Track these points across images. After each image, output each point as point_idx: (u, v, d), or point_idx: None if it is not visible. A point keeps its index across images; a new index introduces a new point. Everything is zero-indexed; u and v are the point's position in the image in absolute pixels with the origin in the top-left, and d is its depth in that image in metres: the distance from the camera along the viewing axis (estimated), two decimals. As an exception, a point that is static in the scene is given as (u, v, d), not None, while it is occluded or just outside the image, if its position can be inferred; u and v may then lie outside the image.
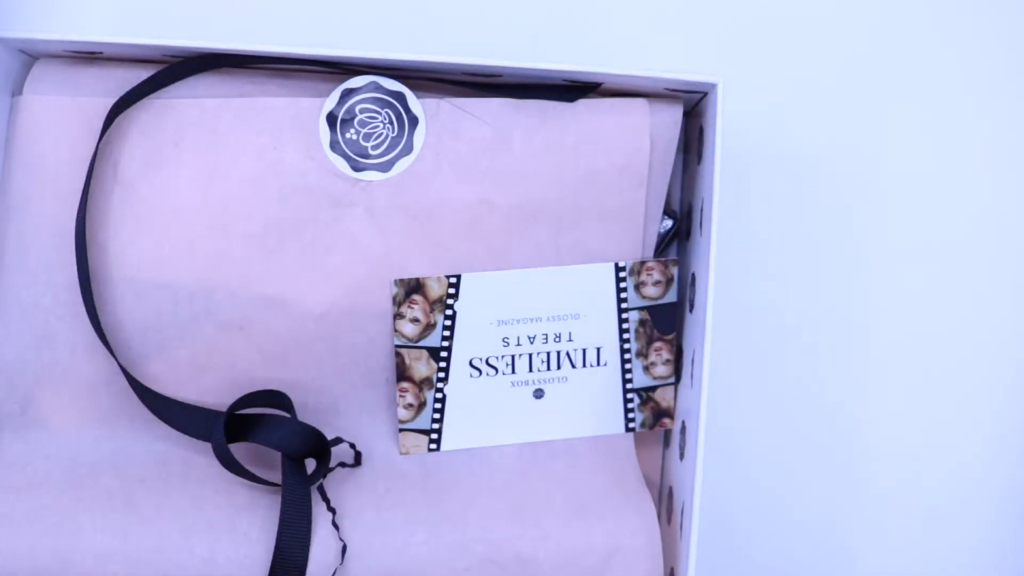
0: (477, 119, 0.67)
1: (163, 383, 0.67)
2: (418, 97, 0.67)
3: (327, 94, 0.67)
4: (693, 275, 0.67)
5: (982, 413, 0.75)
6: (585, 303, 0.68)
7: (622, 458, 0.69)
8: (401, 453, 0.69)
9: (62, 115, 0.66)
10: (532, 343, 0.68)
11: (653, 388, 0.70)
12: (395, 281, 0.67)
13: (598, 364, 0.69)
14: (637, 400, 0.70)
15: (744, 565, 0.74)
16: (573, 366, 0.69)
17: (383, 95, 0.67)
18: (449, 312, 0.67)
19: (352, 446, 0.68)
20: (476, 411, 0.69)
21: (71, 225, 0.66)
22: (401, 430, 0.69)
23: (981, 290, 0.75)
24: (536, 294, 0.68)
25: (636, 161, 0.67)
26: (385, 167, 0.67)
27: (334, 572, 0.64)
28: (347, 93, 0.66)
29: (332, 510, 0.65)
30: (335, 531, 0.64)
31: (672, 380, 0.70)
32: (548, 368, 0.69)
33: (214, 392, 0.68)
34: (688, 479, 0.64)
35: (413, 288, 0.67)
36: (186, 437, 0.67)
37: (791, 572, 0.74)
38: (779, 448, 0.75)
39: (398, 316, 0.67)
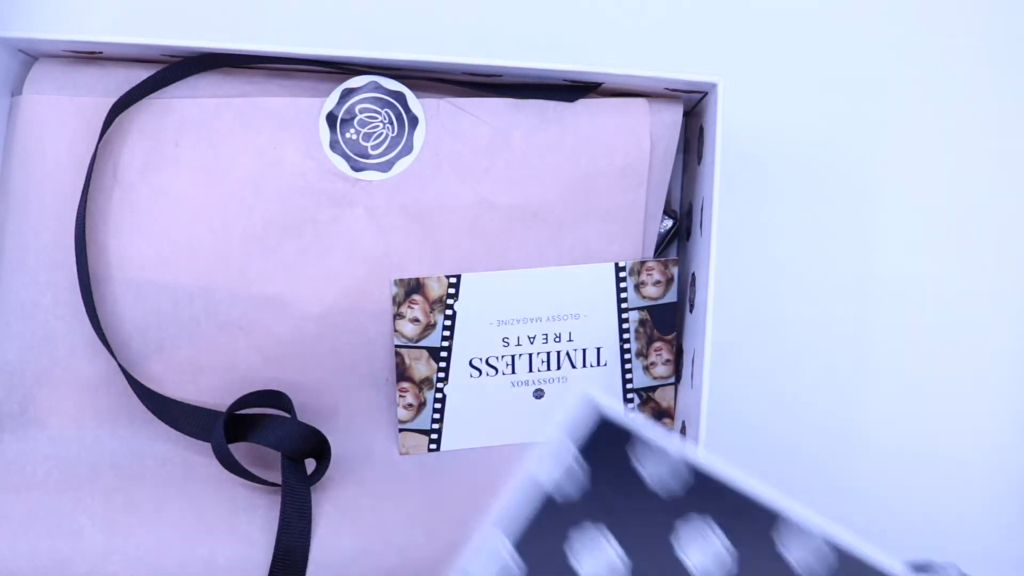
0: (477, 119, 0.67)
1: (163, 383, 0.67)
2: (418, 97, 0.67)
3: (327, 94, 0.67)
4: (693, 275, 0.67)
5: (983, 414, 0.75)
6: (585, 303, 0.68)
7: (622, 458, 0.69)
8: (401, 453, 0.69)
9: (62, 115, 0.66)
10: (532, 343, 0.68)
11: (653, 388, 0.70)
12: (395, 281, 0.67)
13: (598, 364, 0.69)
14: (637, 400, 0.70)
15: (744, 565, 0.74)
16: (573, 366, 0.69)
17: (383, 95, 0.67)
18: (449, 312, 0.67)
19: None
20: (476, 411, 0.69)
21: (71, 225, 0.66)
22: (401, 430, 0.69)
23: (982, 290, 0.75)
24: (536, 294, 0.68)
25: (636, 161, 0.67)
26: (385, 167, 0.67)
27: None
28: (347, 93, 0.66)
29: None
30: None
31: (672, 380, 0.70)
32: (548, 368, 0.69)
33: (214, 392, 0.67)
34: (688, 479, 0.64)
35: (413, 288, 0.67)
36: (186, 437, 0.67)
37: (791, 572, 0.74)
38: (779, 448, 0.75)
39: (398, 316, 0.67)
